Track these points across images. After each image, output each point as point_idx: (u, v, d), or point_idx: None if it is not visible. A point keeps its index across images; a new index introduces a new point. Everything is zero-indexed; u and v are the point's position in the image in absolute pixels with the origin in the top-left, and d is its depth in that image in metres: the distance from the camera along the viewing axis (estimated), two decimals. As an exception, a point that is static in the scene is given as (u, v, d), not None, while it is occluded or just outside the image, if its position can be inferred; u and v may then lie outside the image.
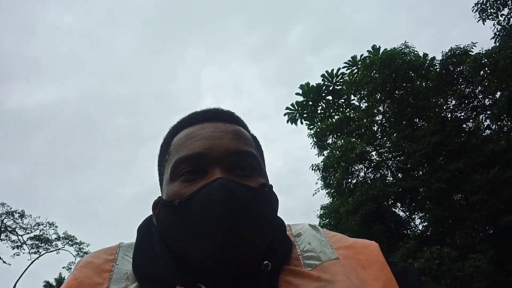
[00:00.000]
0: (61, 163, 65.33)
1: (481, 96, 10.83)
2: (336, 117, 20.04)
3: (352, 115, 15.08)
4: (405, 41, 13.94)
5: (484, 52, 8.87)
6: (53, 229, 28.93)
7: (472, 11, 8.40)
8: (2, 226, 26.49)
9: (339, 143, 13.96)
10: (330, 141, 14.65)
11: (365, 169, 13.47)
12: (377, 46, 20.77)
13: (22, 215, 26.88)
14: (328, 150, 14.23)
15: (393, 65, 13.02)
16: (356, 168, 13.36)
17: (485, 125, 11.21)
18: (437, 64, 14.01)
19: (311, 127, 20.52)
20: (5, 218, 26.43)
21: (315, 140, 14.53)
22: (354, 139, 14.02)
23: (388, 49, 15.09)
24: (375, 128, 14.50)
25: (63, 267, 31.41)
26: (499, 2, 8.30)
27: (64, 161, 66.09)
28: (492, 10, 8.61)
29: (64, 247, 28.25)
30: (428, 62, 17.84)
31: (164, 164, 0.75)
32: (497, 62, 8.15)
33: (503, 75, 8.19)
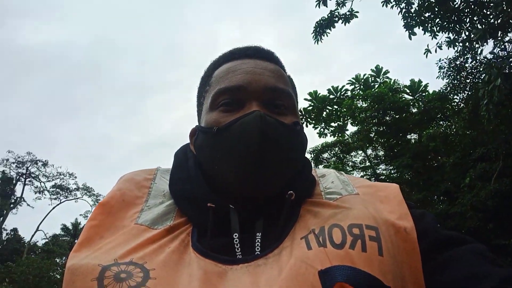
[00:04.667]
0: (66, 105, 66.09)
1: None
2: (337, 123, 23.30)
3: (345, 139, 18.03)
4: (396, 79, 17.04)
5: (436, 129, 12.17)
6: (73, 179, 32.71)
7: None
8: (27, 173, 29.62)
9: (331, 160, 17.02)
10: (325, 156, 17.66)
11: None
12: (380, 67, 23.41)
13: (45, 164, 29.96)
14: (323, 165, 17.30)
15: (383, 103, 15.85)
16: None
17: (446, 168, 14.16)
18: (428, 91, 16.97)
19: (316, 126, 23.90)
20: (30, 165, 29.55)
21: (312, 156, 17.49)
22: (345, 159, 17.05)
23: (382, 86, 18.19)
24: (368, 150, 17.43)
25: (80, 214, 35.19)
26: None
27: (69, 103, 66.86)
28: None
29: (82, 197, 30.75)
30: (421, 87, 20.58)
31: (205, 94, 0.80)
32: (446, 137, 11.29)
33: (449, 147, 11.32)
